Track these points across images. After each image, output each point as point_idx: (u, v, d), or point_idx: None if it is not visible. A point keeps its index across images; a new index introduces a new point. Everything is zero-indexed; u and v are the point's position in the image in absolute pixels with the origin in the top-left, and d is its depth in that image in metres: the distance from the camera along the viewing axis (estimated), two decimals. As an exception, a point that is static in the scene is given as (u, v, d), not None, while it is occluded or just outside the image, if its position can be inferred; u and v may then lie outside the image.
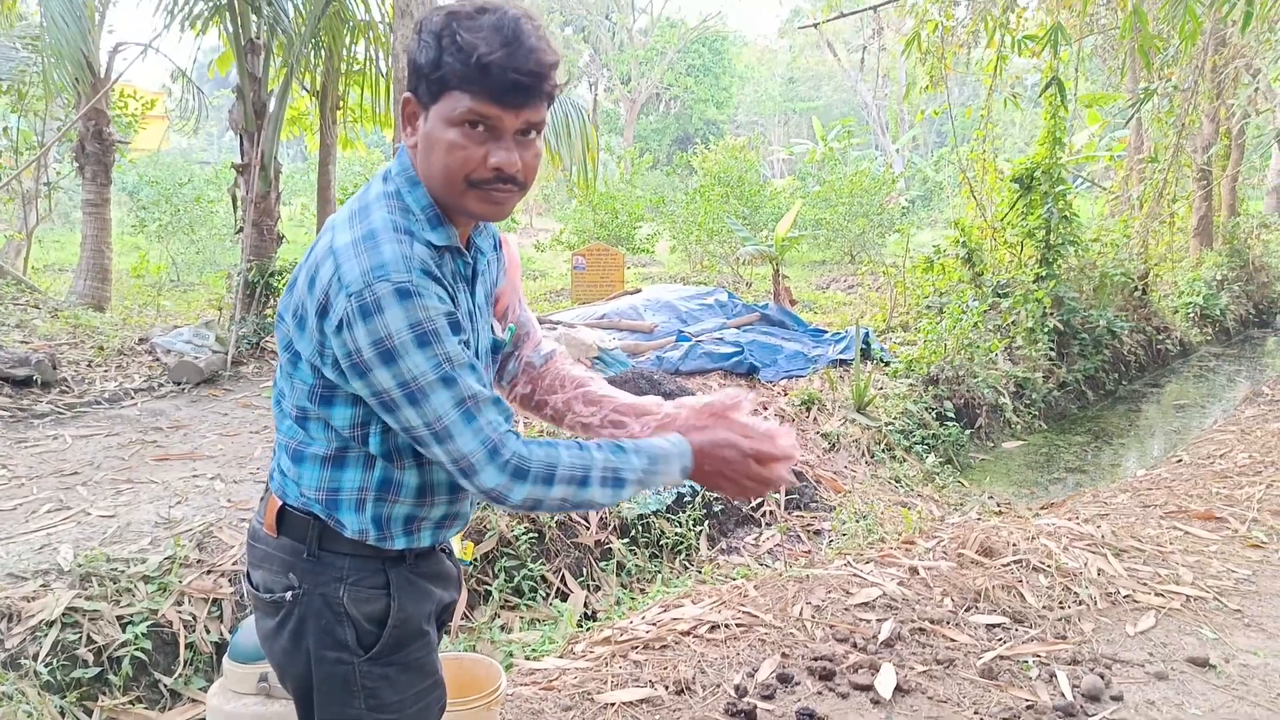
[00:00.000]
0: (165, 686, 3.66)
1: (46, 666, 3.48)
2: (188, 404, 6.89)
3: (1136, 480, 6.49)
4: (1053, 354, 9.48)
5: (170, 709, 3.60)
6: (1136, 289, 11.13)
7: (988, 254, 10.43)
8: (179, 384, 7.19)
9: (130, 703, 3.61)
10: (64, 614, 3.68)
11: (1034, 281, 9.69)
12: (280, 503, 1.50)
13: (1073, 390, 9.59)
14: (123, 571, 3.95)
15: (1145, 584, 4.02)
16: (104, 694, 3.57)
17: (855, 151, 25.13)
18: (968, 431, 7.98)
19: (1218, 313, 12.80)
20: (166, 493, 4.87)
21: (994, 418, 8.53)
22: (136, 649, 3.64)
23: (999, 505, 6.56)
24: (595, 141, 8.71)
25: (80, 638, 3.65)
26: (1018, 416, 8.68)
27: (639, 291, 10.31)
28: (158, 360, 7.48)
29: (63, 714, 3.33)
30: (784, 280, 11.03)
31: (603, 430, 1.65)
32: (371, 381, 1.29)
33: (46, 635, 3.59)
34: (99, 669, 3.58)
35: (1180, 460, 6.93)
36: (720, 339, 8.47)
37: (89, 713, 3.48)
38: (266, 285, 8.12)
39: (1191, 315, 12.61)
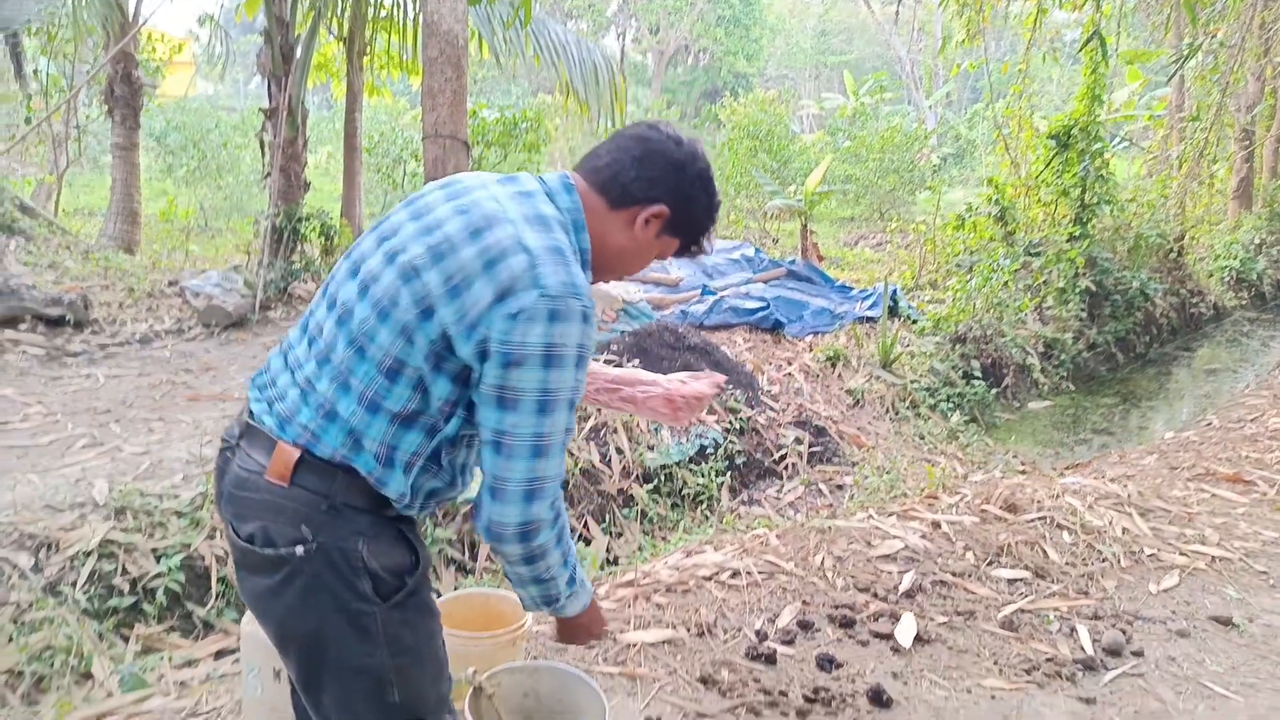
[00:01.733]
0: (198, 617, 3.75)
1: (85, 594, 3.58)
2: (217, 346, 6.97)
3: (1164, 443, 6.43)
4: (1083, 315, 9.35)
5: (203, 638, 3.69)
6: (1171, 251, 10.92)
7: (1021, 212, 10.25)
8: (208, 327, 7.26)
9: (165, 631, 3.71)
10: (100, 545, 3.77)
11: (1067, 241, 9.53)
12: (299, 452, 1.42)
13: (1102, 352, 9.47)
14: (156, 506, 4.04)
15: (1170, 544, 4.00)
16: (140, 622, 3.67)
17: (887, 107, 24.63)
18: (994, 391, 7.92)
19: (1254, 277, 12.55)
20: (197, 431, 4.95)
21: (1021, 378, 8.45)
22: (170, 581, 3.73)
23: (1023, 465, 6.54)
24: (624, 90, 8.59)
25: (116, 568, 3.74)
26: (1045, 377, 8.60)
27: (665, 244, 10.25)
28: (187, 303, 7.56)
29: (101, 638, 3.42)
30: (812, 236, 10.92)
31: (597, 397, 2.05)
32: (514, 374, 1.33)
33: (84, 565, 3.69)
34: (134, 599, 3.68)
35: (1210, 424, 6.85)
36: (746, 294, 8.42)
37: (125, 639, 3.58)
38: (294, 231, 8.14)
39: (1227, 279, 12.38)
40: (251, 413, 1.53)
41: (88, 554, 3.73)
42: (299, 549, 1.41)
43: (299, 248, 8.30)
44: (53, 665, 3.30)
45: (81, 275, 7.92)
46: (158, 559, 3.82)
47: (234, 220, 15.05)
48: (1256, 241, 13.05)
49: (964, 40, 10.93)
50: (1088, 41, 9.27)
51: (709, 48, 37.56)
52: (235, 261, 8.62)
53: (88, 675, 3.36)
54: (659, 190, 1.52)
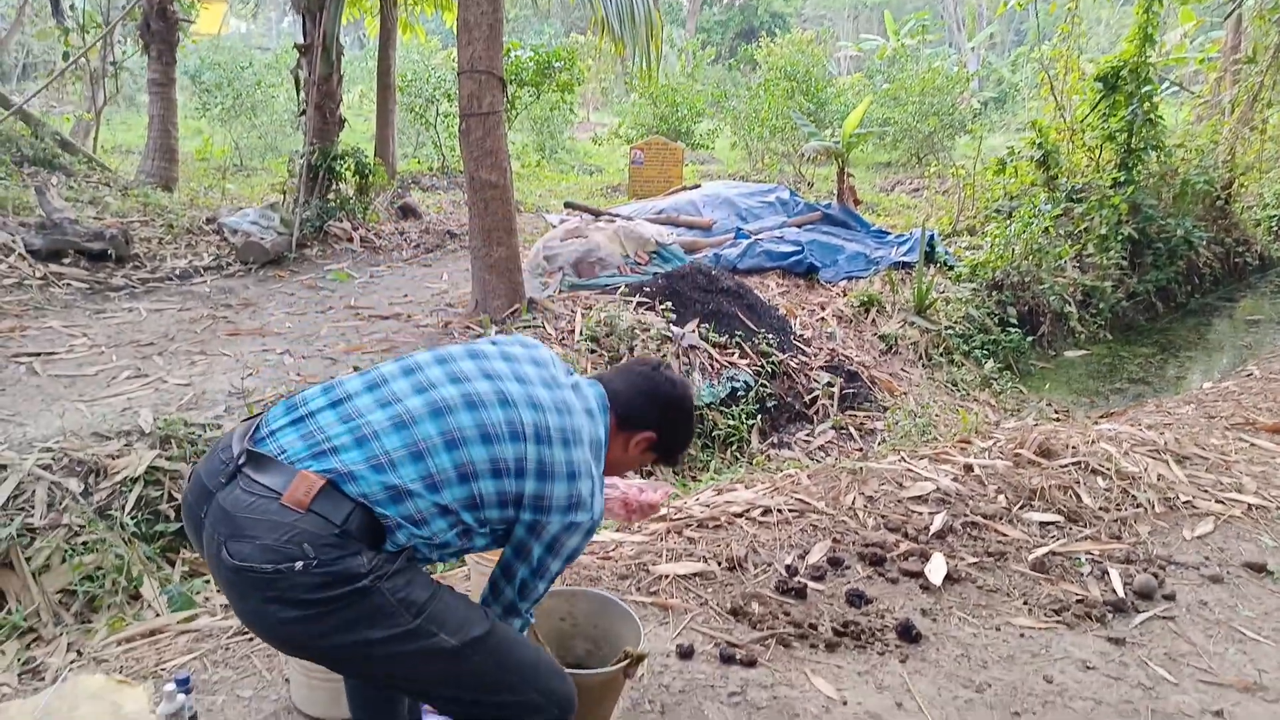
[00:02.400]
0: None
1: (132, 519, 3.70)
2: (255, 283, 7.05)
3: (1202, 392, 6.33)
4: (1124, 263, 9.17)
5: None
6: (1219, 199, 10.62)
7: (1064, 157, 10.00)
8: (246, 264, 7.34)
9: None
10: (147, 472, 3.88)
11: (1111, 187, 9.29)
12: (324, 482, 1.51)
13: (1142, 301, 9.30)
14: (200, 435, 4.14)
15: (1206, 491, 3.97)
16: (185, 548, 3.78)
17: (928, 49, 23.98)
18: (1029, 339, 7.82)
19: (1303, 227, 12.19)
20: (238, 365, 5.04)
21: (1058, 326, 8.34)
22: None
23: (1057, 412, 6.48)
24: (660, 27, 8.43)
25: (162, 494, 3.86)
26: (1083, 325, 8.47)
27: (698, 187, 10.14)
28: (225, 240, 7.64)
29: (149, 560, 3.54)
30: (849, 179, 10.74)
31: None
32: (548, 557, 1.72)
33: (131, 491, 3.80)
34: (180, 524, 3.79)
35: (1250, 374, 6.73)
36: (780, 237, 8.34)
37: (171, 563, 3.70)
38: (329, 169, 8.15)
39: (1275, 229, 12.03)
40: (269, 443, 1.59)
41: (134, 480, 3.84)
42: (298, 564, 1.47)
43: (334, 186, 8.32)
44: (103, 586, 3.43)
45: (121, 211, 8.02)
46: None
47: (269, 160, 15.09)
48: (1309, 190, 12.63)
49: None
50: (1143, -21, 8.93)
51: (745, -14, 36.64)
52: (271, 199, 8.67)
53: (136, 596, 3.49)
54: (652, 420, 1.90)
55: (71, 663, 2.61)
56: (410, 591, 1.54)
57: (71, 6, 11.57)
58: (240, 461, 1.55)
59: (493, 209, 5.53)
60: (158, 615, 3.08)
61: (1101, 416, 6.06)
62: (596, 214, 7.54)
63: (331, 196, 8.27)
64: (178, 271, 7.03)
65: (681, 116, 16.61)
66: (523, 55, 11.98)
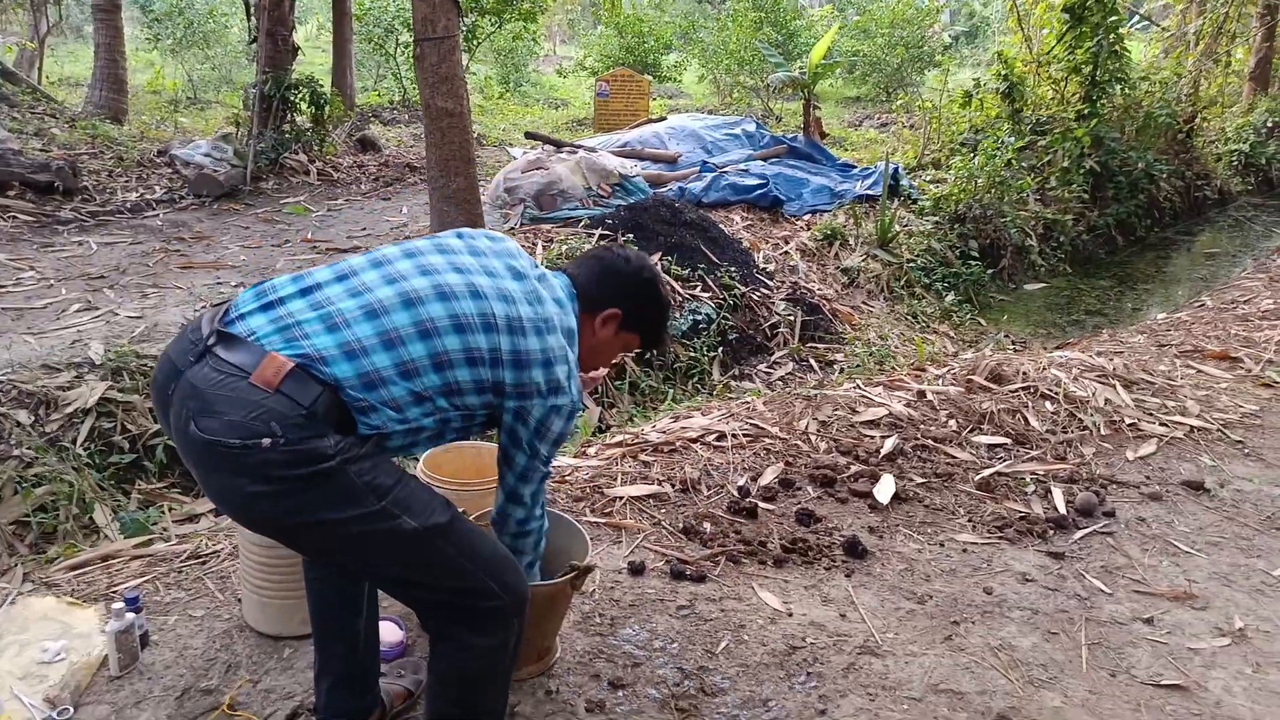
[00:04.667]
0: (198, 475, 3.84)
1: (85, 450, 3.66)
2: (208, 216, 6.91)
3: (1155, 323, 6.45)
4: (1086, 196, 9.23)
5: (202, 495, 3.79)
6: (1181, 132, 10.67)
7: (1030, 90, 9.97)
8: (199, 197, 7.18)
9: (165, 488, 3.81)
10: (99, 404, 3.83)
11: (1075, 120, 9.30)
12: (293, 364, 1.52)
13: (1102, 235, 9.39)
14: (152, 367, 4.09)
15: (1151, 414, 4.07)
16: (140, 479, 3.77)
17: (899, -20, 23.62)
18: (990, 271, 7.89)
19: (1263, 161, 12.30)
20: (191, 297, 4.96)
21: (1019, 259, 8.41)
22: (169, 440, 3.81)
23: (1015, 343, 6.57)
24: (623, -47, 8.22)
25: (115, 426, 3.82)
26: (1043, 259, 8.55)
27: (663, 119, 10.01)
28: (177, 173, 7.45)
29: (103, 490, 3.53)
30: (815, 112, 10.65)
31: None
32: (538, 442, 1.78)
33: (83, 422, 3.76)
34: (134, 455, 3.77)
35: (1203, 305, 6.85)
36: (745, 170, 8.29)
37: (126, 493, 3.68)
38: (283, 99, 7.94)
39: (1235, 163, 12.15)
40: (239, 325, 1.58)
41: (86, 412, 3.80)
42: (265, 441, 1.47)
43: (289, 117, 8.11)
44: (58, 516, 3.42)
45: (68, 143, 7.78)
46: (155, 418, 3.89)
47: (224, 92, 14.66)
48: (1269, 125, 12.72)
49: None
50: (1111, -94, 8.81)
51: (716, -85, 35.71)
52: (225, 131, 8.45)
53: (92, 526, 3.48)
54: (612, 296, 1.93)
55: (22, 588, 2.60)
56: (376, 476, 1.56)
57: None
58: (210, 341, 1.55)
59: (450, 138, 5.43)
60: (111, 541, 3.07)
61: (1058, 347, 6.16)
62: (559, 145, 7.44)
63: (286, 128, 8.07)
64: (128, 205, 6.86)
65: (648, 48, 16.31)
66: (484, -18, 11.65)
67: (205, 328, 1.59)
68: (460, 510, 2.20)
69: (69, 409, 3.79)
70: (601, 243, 5.99)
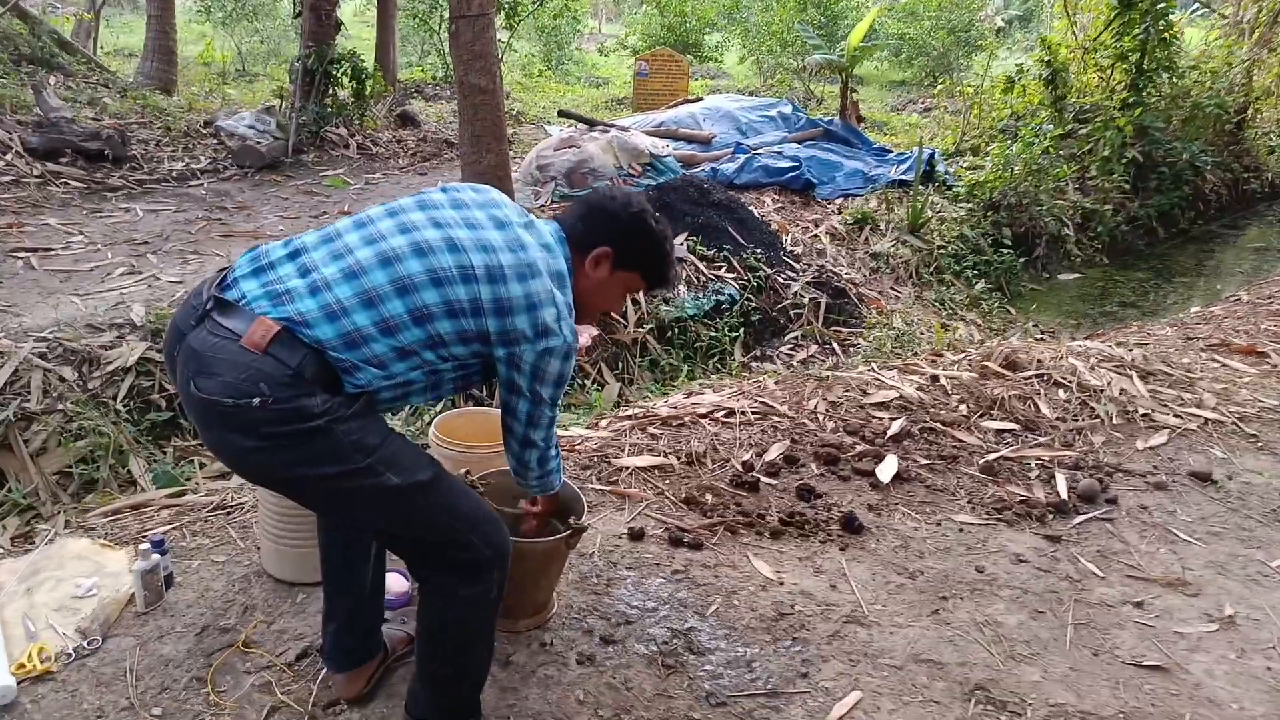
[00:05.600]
0: (231, 434, 4.01)
1: (125, 406, 3.86)
2: (250, 186, 7.11)
3: (1188, 316, 6.38)
4: (1127, 187, 9.09)
5: (235, 453, 3.96)
6: (1230, 123, 10.43)
7: (1075, 77, 9.81)
8: (242, 167, 7.38)
9: (199, 444, 3.99)
10: (138, 363, 4.03)
11: (1119, 109, 9.14)
12: (279, 327, 1.60)
13: (1143, 226, 9.25)
14: (190, 330, 4.26)
15: (1166, 405, 4.07)
16: (176, 435, 3.95)
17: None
18: (1023, 260, 7.83)
19: (1318, 155, 11.97)
20: (231, 265, 5.14)
21: (1054, 248, 8.33)
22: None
23: (1043, 333, 6.55)
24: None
25: (154, 385, 4.01)
26: (1079, 249, 8.46)
27: (699, 100, 10.02)
28: (222, 144, 7.66)
29: (140, 445, 3.71)
30: (853, 95, 10.58)
31: None
32: (537, 386, 1.81)
33: (124, 380, 3.96)
34: (171, 414, 3.95)
35: (1238, 299, 6.76)
36: (779, 153, 8.29)
37: (164, 450, 3.87)
38: (326, 74, 8.10)
39: (1291, 156, 11.83)
40: (234, 290, 1.68)
41: (126, 370, 3.99)
42: (255, 400, 1.56)
43: (331, 91, 8.28)
44: (98, 468, 3.61)
45: (119, 112, 8.03)
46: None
47: (272, 65, 14.92)
48: (1327, 118, 12.36)
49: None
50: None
51: (767, -107, 35.22)
52: (269, 104, 8.65)
53: (131, 480, 3.67)
54: (601, 235, 1.91)
55: (62, 531, 2.78)
56: (363, 436, 1.65)
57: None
58: (208, 306, 1.66)
59: (482, 115, 5.53)
60: (144, 490, 3.25)
61: (1086, 338, 6.13)
62: (591, 124, 7.51)
63: (328, 102, 8.24)
64: (174, 173, 7.08)
65: (690, 28, 16.25)
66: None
67: (204, 293, 1.69)
68: (464, 471, 2.34)
69: (110, 367, 3.98)
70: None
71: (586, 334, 2.40)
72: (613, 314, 5.34)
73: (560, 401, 1.92)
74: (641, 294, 2.06)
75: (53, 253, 5.17)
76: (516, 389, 1.81)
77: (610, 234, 1.92)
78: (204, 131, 8.01)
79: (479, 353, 1.76)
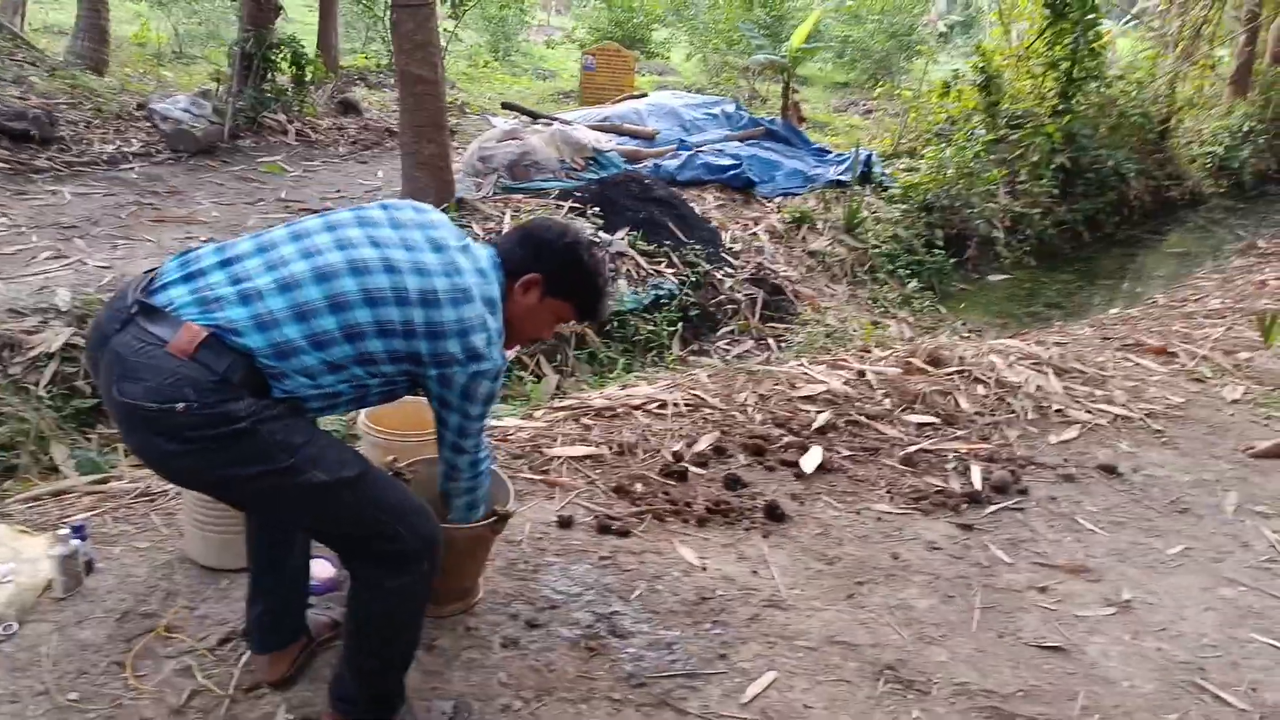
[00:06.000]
0: (159, 422, 3.96)
1: (48, 393, 3.78)
2: (184, 171, 6.97)
3: (1107, 317, 6.64)
4: (1055, 191, 9.39)
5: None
6: (1155, 133, 10.84)
7: (1008, 84, 10.11)
8: (176, 152, 7.23)
9: (127, 433, 3.94)
10: (62, 349, 3.95)
11: (1050, 116, 9.45)
12: (207, 333, 1.61)
13: (1070, 230, 9.57)
14: (117, 316, 4.19)
15: (1079, 401, 4.25)
16: (101, 423, 3.88)
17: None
18: (954, 261, 8.06)
19: (1235, 165, 12.49)
20: (161, 250, 5.06)
21: (984, 250, 8.58)
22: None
23: (970, 332, 6.75)
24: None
25: (78, 371, 3.93)
26: (1009, 251, 8.72)
27: (644, 96, 10.09)
28: (155, 127, 7.49)
29: (64, 432, 3.65)
30: (794, 95, 10.75)
31: None
32: (467, 405, 1.87)
33: (47, 366, 3.87)
34: (95, 401, 3.87)
35: (1154, 301, 7.05)
36: (721, 151, 8.40)
37: (88, 437, 3.80)
38: (264, 58, 7.97)
39: (1209, 166, 12.33)
40: (161, 296, 1.68)
41: (50, 356, 3.91)
42: (179, 405, 1.58)
43: (270, 76, 8.15)
44: (19, 456, 3.54)
45: (47, 92, 7.80)
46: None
47: (209, 49, 14.58)
48: (1245, 129, 12.90)
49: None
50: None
51: (718, -109, 35.41)
52: (205, 87, 8.47)
53: (54, 467, 3.60)
54: (532, 262, 1.95)
55: (-23, 517, 2.73)
56: (287, 435, 1.67)
57: None
58: (133, 310, 1.65)
59: (423, 105, 5.53)
60: (66, 478, 3.20)
61: (1010, 337, 6.34)
62: (535, 117, 7.52)
63: (267, 87, 8.11)
64: (105, 156, 6.91)
65: (638, 24, 16.32)
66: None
67: (130, 296, 1.68)
68: (391, 459, 2.36)
69: (33, 353, 3.90)
70: (569, 210, 6.12)
71: (510, 352, 2.45)
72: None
73: (490, 413, 1.99)
74: (572, 324, 2.27)
75: (-27, 235, 5.03)
76: (448, 405, 1.87)
77: (542, 262, 1.95)
78: (137, 114, 7.83)
79: (408, 371, 1.81)
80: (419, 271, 1.76)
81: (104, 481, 3.08)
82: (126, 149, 7.17)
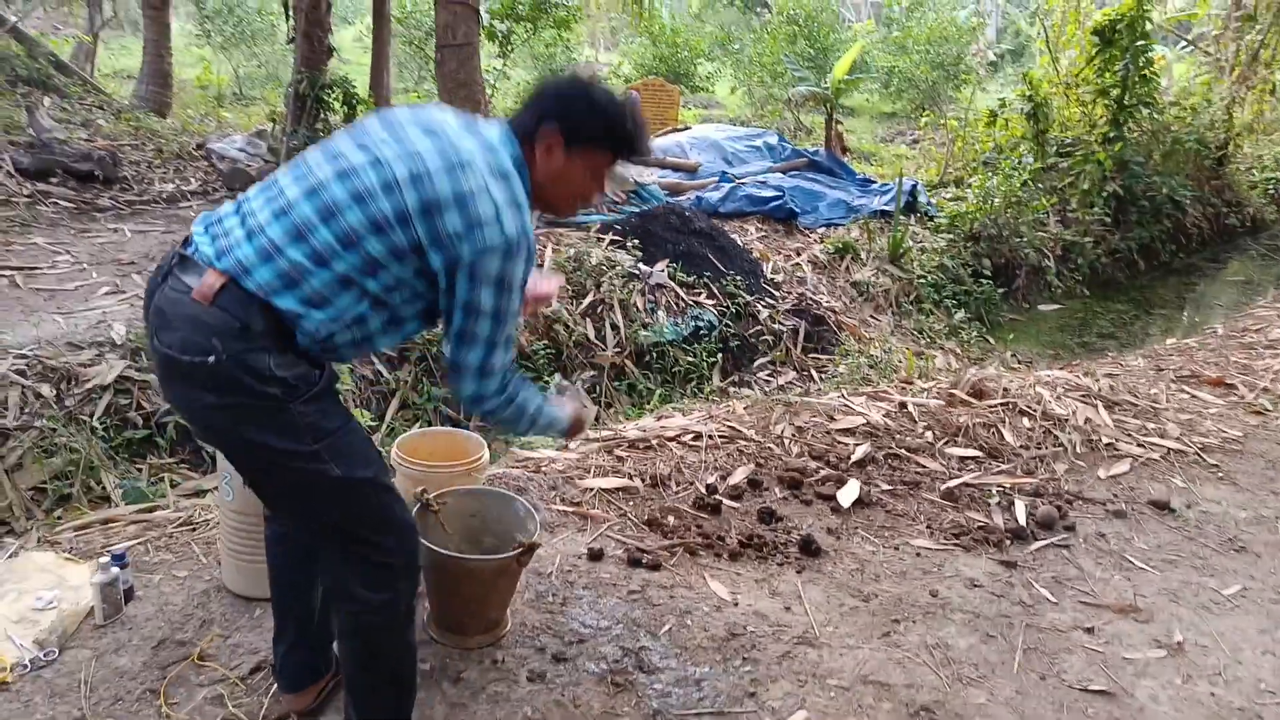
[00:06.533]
0: (207, 453, 4.06)
1: (101, 424, 3.89)
2: (239, 209, 7.18)
3: (1162, 347, 6.46)
4: (1108, 219, 9.21)
5: (210, 473, 4.00)
6: (1212, 159, 10.59)
7: (1057, 111, 9.97)
8: (232, 189, 7.46)
9: (176, 463, 4.03)
10: (116, 381, 4.07)
11: (1100, 143, 9.29)
12: (225, 279, 1.65)
13: (1124, 258, 9.36)
14: (169, 349, 4.31)
15: (1130, 435, 4.13)
16: (152, 454, 3.99)
17: (947, -3, 23.57)
18: (1003, 291, 7.92)
19: (1298, 191, 12.14)
20: (213, 285, 5.19)
21: (1034, 279, 8.43)
22: (180, 418, 4.03)
23: (1020, 363, 6.62)
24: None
25: (131, 403, 4.05)
26: (1060, 280, 8.56)
27: (687, 128, 10.16)
28: (213, 166, 7.74)
29: (115, 463, 3.75)
30: (838, 126, 10.74)
31: None
32: (474, 291, 1.69)
33: (101, 398, 4.00)
34: (147, 432, 3.99)
35: (1214, 331, 6.84)
36: (763, 182, 8.40)
37: (138, 468, 3.91)
38: (318, 98, 8.20)
39: (1270, 192, 11.99)
40: (192, 246, 1.74)
41: (105, 388, 4.03)
42: (210, 358, 1.62)
43: (322, 115, 8.38)
44: (72, 485, 3.65)
45: (113, 134, 8.12)
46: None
47: (268, 90, 15.08)
48: (1308, 154, 12.55)
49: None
50: (1143, -71, 8.82)
51: (764, -73, 35.81)
52: (261, 127, 8.75)
53: (106, 497, 3.71)
54: (544, 115, 1.79)
55: (27, 544, 2.82)
56: (318, 419, 1.70)
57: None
58: (173, 262, 1.72)
59: (466, 141, 5.63)
60: (115, 506, 3.29)
61: (1061, 368, 6.20)
62: (579, 152, 7.63)
63: (320, 126, 8.33)
64: (164, 195, 7.16)
65: (682, 58, 16.48)
66: (521, -10, 11.87)
67: (171, 251, 1.76)
68: (420, 489, 2.38)
69: (89, 385, 4.02)
70: (609, 242, 6.17)
71: (556, 281, 2.34)
72: (591, 338, 5.41)
73: (513, 327, 1.79)
74: (613, 171, 1.90)
75: (38, 272, 5.22)
76: (459, 302, 1.71)
77: (549, 111, 1.79)
78: (196, 154, 8.11)
79: (421, 270, 1.71)
80: (408, 156, 1.68)
81: (150, 510, 3.16)
82: (185, 187, 7.41)
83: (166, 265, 1.74)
